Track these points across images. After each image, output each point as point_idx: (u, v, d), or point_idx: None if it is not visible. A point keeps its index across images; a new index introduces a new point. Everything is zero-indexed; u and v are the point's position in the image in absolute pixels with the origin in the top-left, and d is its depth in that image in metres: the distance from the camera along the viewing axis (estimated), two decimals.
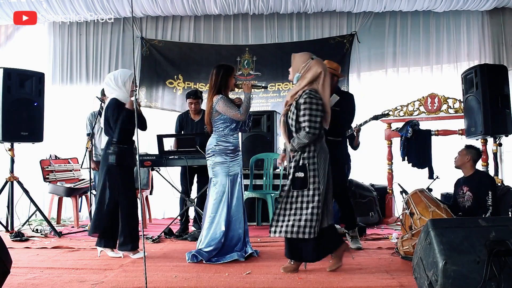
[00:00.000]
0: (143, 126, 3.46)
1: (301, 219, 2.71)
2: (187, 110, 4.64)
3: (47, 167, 5.10)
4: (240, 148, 3.47)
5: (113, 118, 3.25)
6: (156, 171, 4.26)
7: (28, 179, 4.76)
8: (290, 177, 2.80)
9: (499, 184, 4.06)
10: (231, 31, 6.25)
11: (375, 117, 4.75)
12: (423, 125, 4.96)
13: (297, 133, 2.78)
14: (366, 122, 4.72)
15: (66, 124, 5.94)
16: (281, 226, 2.76)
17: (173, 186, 4.28)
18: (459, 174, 3.73)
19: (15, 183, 4.39)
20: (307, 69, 2.80)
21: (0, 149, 4.43)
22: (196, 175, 4.45)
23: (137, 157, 3.19)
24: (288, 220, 2.75)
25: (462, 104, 4.58)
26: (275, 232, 2.78)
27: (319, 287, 2.50)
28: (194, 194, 4.46)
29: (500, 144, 4.24)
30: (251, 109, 3.37)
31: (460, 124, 4.72)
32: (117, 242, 3.31)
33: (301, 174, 2.74)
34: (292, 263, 2.89)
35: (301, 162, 2.76)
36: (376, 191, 5.03)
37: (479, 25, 5.93)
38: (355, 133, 4.63)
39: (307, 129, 2.70)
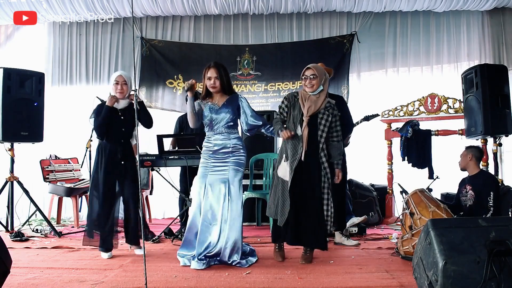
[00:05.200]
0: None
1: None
2: None
3: (47, 167, 5.11)
4: (240, 150, 3.21)
5: None
6: (156, 171, 4.25)
7: (28, 179, 4.76)
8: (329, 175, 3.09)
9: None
10: (231, 31, 6.25)
11: (366, 118, 4.85)
12: (423, 125, 4.96)
13: (325, 139, 3.07)
14: (358, 123, 4.81)
15: (66, 124, 5.94)
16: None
17: (173, 186, 4.28)
18: (460, 173, 3.73)
19: (15, 183, 4.39)
20: (326, 82, 3.10)
21: (0, 149, 4.44)
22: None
23: (137, 157, 3.19)
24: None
25: (462, 104, 4.58)
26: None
27: (319, 287, 2.50)
28: None
29: (500, 144, 4.24)
30: (257, 109, 3.32)
31: (460, 124, 4.72)
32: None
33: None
34: (308, 253, 3.12)
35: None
36: (376, 191, 5.04)
37: (479, 25, 5.94)
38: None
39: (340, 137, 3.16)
